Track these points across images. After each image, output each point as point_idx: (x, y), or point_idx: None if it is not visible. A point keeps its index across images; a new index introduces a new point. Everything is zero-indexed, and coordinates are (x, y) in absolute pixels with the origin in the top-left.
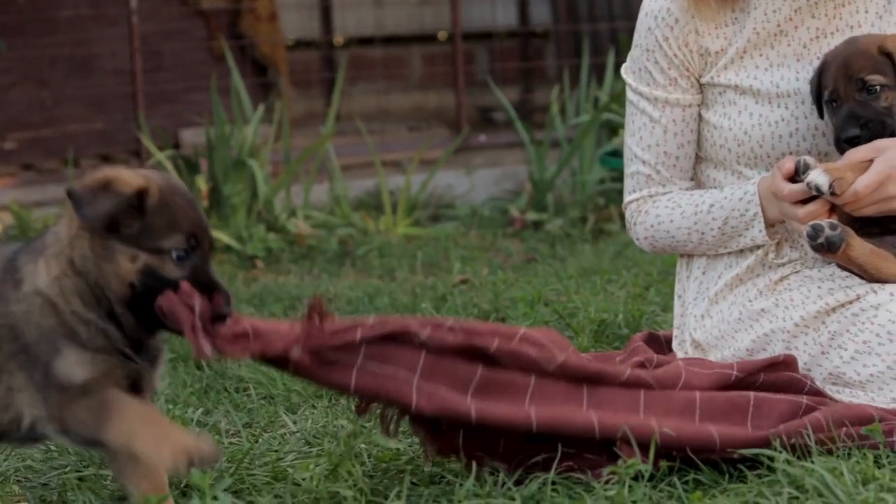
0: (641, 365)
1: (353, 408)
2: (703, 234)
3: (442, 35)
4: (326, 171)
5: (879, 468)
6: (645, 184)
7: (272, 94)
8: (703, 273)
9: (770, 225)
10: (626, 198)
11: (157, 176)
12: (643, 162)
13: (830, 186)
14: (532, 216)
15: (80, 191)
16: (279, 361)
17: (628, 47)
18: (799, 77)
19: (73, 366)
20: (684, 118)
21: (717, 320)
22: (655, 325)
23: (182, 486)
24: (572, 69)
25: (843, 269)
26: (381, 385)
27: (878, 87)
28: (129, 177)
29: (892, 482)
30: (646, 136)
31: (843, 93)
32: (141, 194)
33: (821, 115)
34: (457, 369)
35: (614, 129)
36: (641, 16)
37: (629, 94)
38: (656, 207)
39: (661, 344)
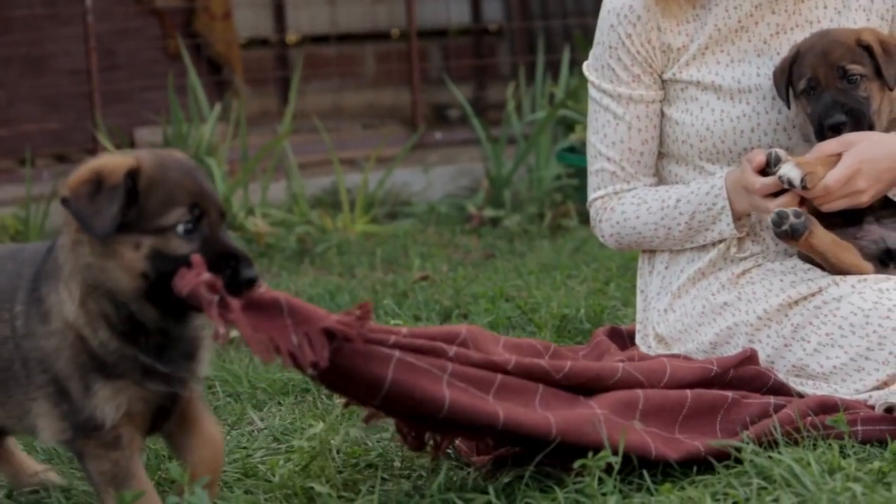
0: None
1: (322, 405)
2: (669, 229)
3: (395, 33)
4: (283, 169)
5: (845, 458)
6: (610, 181)
7: (228, 93)
8: (666, 267)
9: (737, 218)
10: (591, 195)
11: (145, 154)
12: (608, 159)
13: (802, 180)
14: (489, 213)
15: (76, 202)
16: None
17: (583, 44)
18: (760, 73)
19: (104, 404)
20: (648, 114)
21: (681, 314)
22: (617, 320)
23: (157, 479)
24: (527, 66)
25: (805, 260)
26: (416, 381)
27: (858, 77)
28: (114, 163)
29: (857, 471)
30: (609, 134)
31: (823, 80)
32: (132, 176)
33: (788, 106)
34: (480, 377)
35: (570, 125)
36: (604, 13)
37: (592, 92)
38: (622, 204)
39: (624, 338)
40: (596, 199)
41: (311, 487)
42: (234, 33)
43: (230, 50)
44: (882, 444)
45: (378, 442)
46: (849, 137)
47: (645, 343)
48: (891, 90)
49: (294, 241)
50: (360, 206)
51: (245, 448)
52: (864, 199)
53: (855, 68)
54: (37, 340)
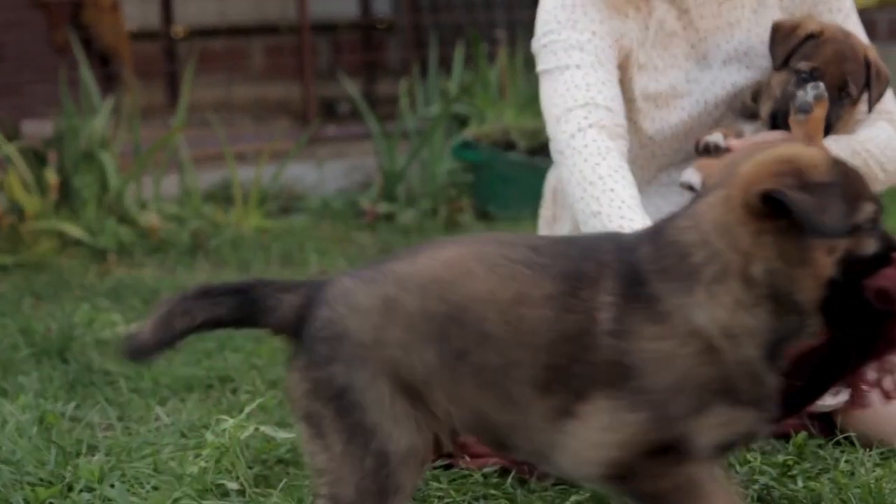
0: None
1: (227, 401)
2: (583, 200)
3: (284, 26)
4: (175, 163)
5: (750, 451)
6: (600, 115)
7: (118, 86)
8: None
9: None
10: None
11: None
12: (584, 105)
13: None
14: (384, 208)
15: (796, 195)
16: None
17: (477, 40)
18: (689, 77)
19: (708, 432)
20: (608, 55)
21: None
22: None
23: (66, 481)
24: (418, 61)
25: None
26: None
27: (848, 97)
28: (805, 153)
29: (763, 465)
30: (579, 84)
31: (826, 81)
32: (835, 168)
33: (775, 65)
34: None
35: (463, 121)
36: (544, 9)
37: (545, 65)
38: (595, 141)
39: None
40: (576, 109)
41: (223, 484)
42: (123, 26)
43: (119, 43)
44: (786, 438)
45: (288, 437)
46: (769, 136)
47: None
48: (869, 111)
49: (188, 235)
50: (253, 200)
51: (153, 444)
52: None
53: (853, 90)
54: (639, 341)
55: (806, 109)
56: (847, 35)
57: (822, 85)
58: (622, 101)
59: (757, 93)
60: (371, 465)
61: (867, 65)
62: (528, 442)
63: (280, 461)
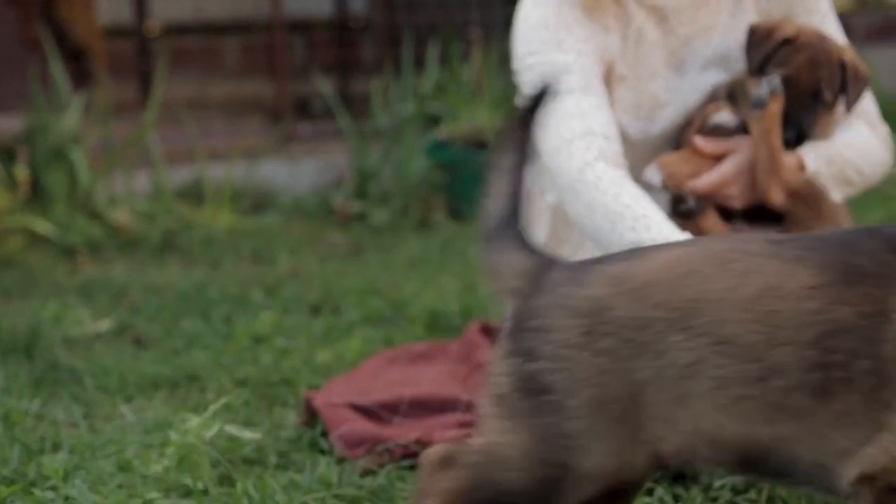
0: None
1: (193, 400)
2: (610, 231)
3: (258, 24)
4: (147, 160)
5: None
6: (602, 144)
7: (90, 83)
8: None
9: None
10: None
11: None
12: (583, 136)
13: (664, 182)
14: (356, 207)
15: None
16: None
17: (451, 38)
18: (668, 86)
19: None
20: (596, 74)
21: None
22: (488, 316)
23: (29, 478)
24: (393, 59)
25: None
26: None
27: (823, 104)
28: None
29: None
30: (573, 111)
31: (800, 89)
32: None
33: (751, 71)
34: None
35: (437, 120)
36: (525, 28)
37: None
38: (607, 171)
39: (496, 335)
40: (575, 140)
41: (186, 483)
42: (97, 22)
43: (92, 39)
44: None
45: (253, 437)
46: (734, 143)
47: None
48: (847, 112)
49: (159, 233)
50: (225, 198)
51: (118, 442)
52: (736, 204)
53: (828, 95)
54: None
55: (761, 104)
56: (822, 39)
57: (777, 79)
58: (615, 125)
59: (732, 91)
60: (551, 473)
61: (843, 67)
62: (810, 453)
63: (245, 461)
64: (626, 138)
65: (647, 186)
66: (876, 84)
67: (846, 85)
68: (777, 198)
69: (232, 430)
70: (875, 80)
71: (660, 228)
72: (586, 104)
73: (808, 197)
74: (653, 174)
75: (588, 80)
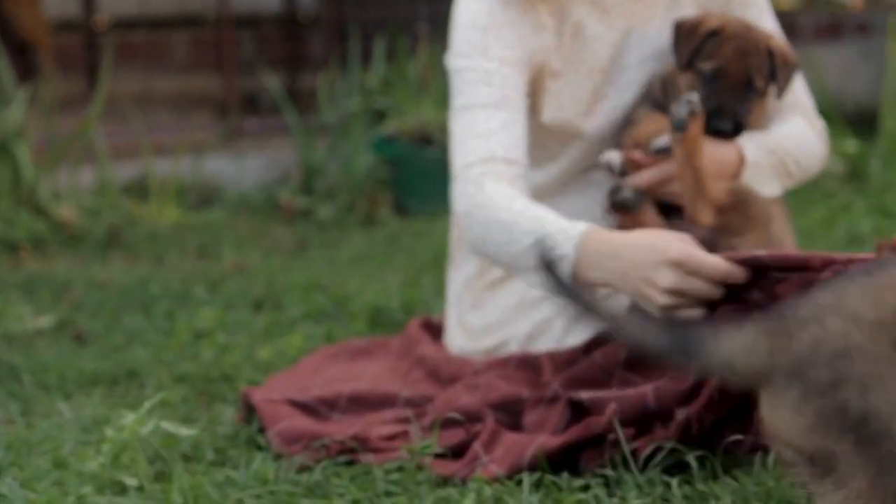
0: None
1: (132, 397)
2: (510, 243)
3: (207, 19)
4: (92, 155)
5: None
6: (496, 149)
7: (37, 77)
8: (480, 260)
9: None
10: (468, 159)
11: None
12: (483, 161)
13: (622, 165)
14: (302, 203)
15: None
16: None
17: (398, 34)
18: (607, 79)
19: None
20: (516, 84)
21: (494, 306)
22: (430, 311)
23: None
24: (340, 55)
25: None
26: None
27: (756, 93)
28: None
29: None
30: (481, 130)
31: (729, 77)
32: None
33: (679, 65)
34: None
35: (382, 115)
36: (458, 24)
37: (455, 99)
38: (496, 186)
39: (437, 330)
40: (475, 165)
41: (121, 480)
42: (43, 15)
43: (38, 32)
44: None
45: (189, 434)
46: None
47: (455, 334)
48: (778, 98)
49: (103, 229)
50: (170, 194)
51: (54, 439)
52: (678, 199)
53: (759, 83)
54: None
55: (681, 127)
56: (749, 28)
57: (695, 98)
58: (525, 141)
59: (666, 84)
60: None
61: (771, 54)
62: None
63: (182, 457)
64: (563, 133)
65: (608, 167)
66: (824, 82)
67: (776, 72)
68: (706, 218)
69: (168, 426)
70: (823, 78)
71: (558, 223)
72: (496, 122)
73: (736, 206)
74: (613, 156)
75: (505, 93)
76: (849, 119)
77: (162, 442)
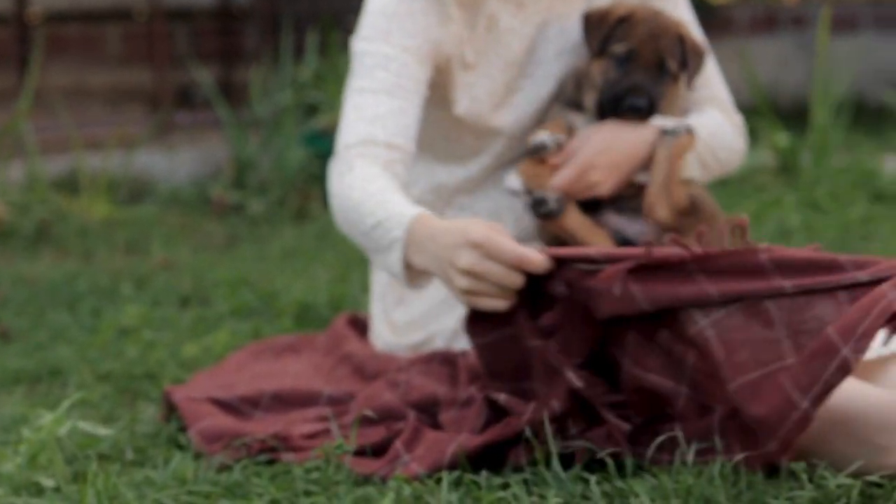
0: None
1: (53, 396)
2: (357, 224)
3: (139, 12)
4: (22, 149)
5: None
6: (378, 131)
7: None
8: None
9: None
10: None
11: None
12: (362, 143)
13: (526, 187)
14: (234, 197)
15: None
16: None
17: (330, 27)
18: (523, 73)
19: None
20: (414, 74)
21: (419, 302)
22: (358, 307)
23: None
24: (273, 49)
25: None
26: None
27: (668, 74)
28: None
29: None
30: (366, 115)
31: (642, 59)
32: None
33: (592, 53)
34: None
35: (314, 109)
36: (369, 10)
37: (352, 80)
38: (363, 167)
39: (363, 326)
40: (353, 146)
41: (38, 482)
42: None
43: None
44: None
45: (108, 434)
46: (576, 142)
47: (380, 329)
48: (688, 88)
49: (32, 224)
50: (101, 188)
51: None
52: (603, 190)
53: (672, 65)
54: None
55: (675, 133)
56: (657, 13)
57: (691, 127)
58: (414, 130)
59: (580, 79)
60: None
61: (681, 41)
62: None
63: (101, 457)
64: (479, 127)
65: (511, 193)
66: (757, 75)
67: (686, 58)
68: (663, 215)
69: (86, 426)
70: (758, 71)
71: (397, 207)
72: (385, 108)
73: (690, 208)
74: (513, 181)
75: (400, 81)
76: (784, 112)
77: (80, 442)
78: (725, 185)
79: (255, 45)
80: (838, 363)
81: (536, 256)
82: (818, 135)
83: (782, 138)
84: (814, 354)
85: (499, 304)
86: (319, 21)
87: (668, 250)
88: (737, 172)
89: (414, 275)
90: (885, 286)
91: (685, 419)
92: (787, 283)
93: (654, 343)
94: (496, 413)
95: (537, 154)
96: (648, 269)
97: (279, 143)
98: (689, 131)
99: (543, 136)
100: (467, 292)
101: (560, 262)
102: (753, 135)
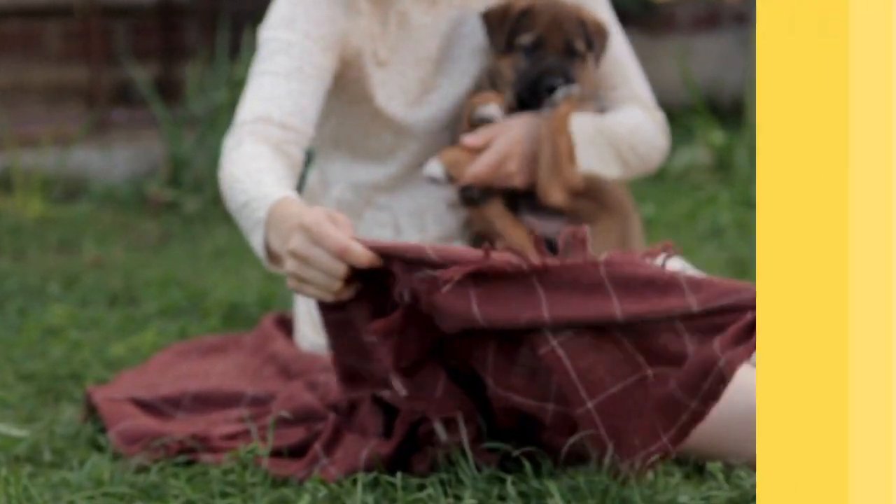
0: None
1: None
2: (234, 201)
3: (79, 9)
4: None
5: None
6: (274, 110)
7: None
8: None
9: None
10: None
11: None
12: (255, 120)
13: (446, 174)
14: (169, 195)
15: None
16: None
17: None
18: (439, 70)
19: None
20: (316, 61)
21: None
22: (287, 307)
23: None
24: (212, 46)
25: (477, 239)
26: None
27: (578, 55)
28: None
29: None
30: (264, 95)
31: (549, 45)
32: None
33: (499, 49)
34: None
35: None
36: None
37: (254, 65)
38: (251, 144)
39: (290, 326)
40: (246, 124)
41: None
42: None
43: None
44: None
45: (24, 435)
46: (496, 129)
47: (305, 329)
48: (595, 67)
49: None
50: (35, 186)
51: None
52: (516, 182)
53: (580, 45)
54: None
55: (553, 104)
56: (555, 2)
57: (574, 82)
58: (313, 113)
59: (493, 75)
60: None
61: (584, 24)
62: None
63: (18, 459)
64: (395, 124)
65: (431, 181)
66: (696, 73)
67: (590, 39)
68: (557, 197)
69: (1, 427)
70: (701, 69)
71: (268, 187)
72: (283, 90)
73: (589, 192)
74: (434, 167)
75: (301, 66)
76: (725, 109)
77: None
78: (662, 183)
79: (195, 41)
80: (688, 416)
81: (359, 248)
82: (754, 132)
83: (718, 136)
84: (659, 406)
85: (324, 295)
86: (257, 18)
87: (507, 258)
88: (673, 171)
89: (275, 258)
90: (715, 347)
91: (556, 430)
92: (619, 312)
93: (515, 362)
94: (387, 411)
95: (483, 124)
96: (488, 278)
97: (214, 140)
98: (569, 94)
99: (491, 108)
100: (294, 276)
101: (387, 259)
102: (690, 133)
